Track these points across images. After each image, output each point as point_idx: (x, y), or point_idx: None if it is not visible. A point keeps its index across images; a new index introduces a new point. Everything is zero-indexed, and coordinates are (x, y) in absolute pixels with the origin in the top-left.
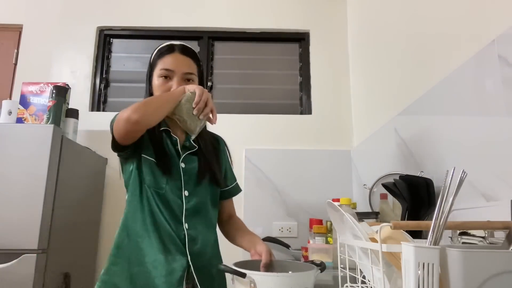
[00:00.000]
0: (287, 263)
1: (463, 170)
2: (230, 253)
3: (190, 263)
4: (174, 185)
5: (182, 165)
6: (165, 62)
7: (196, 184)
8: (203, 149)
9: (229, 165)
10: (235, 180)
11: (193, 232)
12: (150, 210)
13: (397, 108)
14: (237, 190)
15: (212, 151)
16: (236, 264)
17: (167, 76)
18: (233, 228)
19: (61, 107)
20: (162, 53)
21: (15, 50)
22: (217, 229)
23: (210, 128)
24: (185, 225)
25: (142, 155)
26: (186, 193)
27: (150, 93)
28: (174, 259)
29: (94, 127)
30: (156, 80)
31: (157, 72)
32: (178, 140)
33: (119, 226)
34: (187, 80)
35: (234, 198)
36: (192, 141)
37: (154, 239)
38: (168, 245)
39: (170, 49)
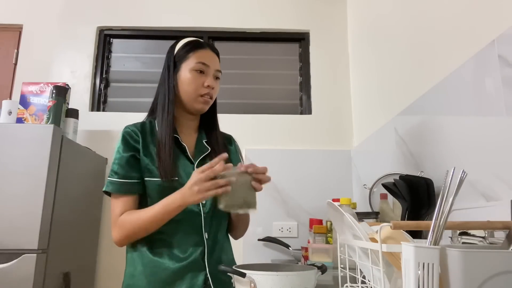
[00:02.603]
0: (289, 266)
1: (463, 170)
2: None
3: (208, 275)
4: None
5: None
6: (201, 56)
7: None
8: (217, 151)
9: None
10: None
11: (212, 241)
12: (166, 230)
13: (397, 108)
14: None
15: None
16: (236, 267)
17: (202, 70)
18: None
19: (61, 107)
20: (194, 46)
21: (15, 50)
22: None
23: None
24: (205, 235)
25: (145, 179)
26: (204, 201)
27: (173, 87)
28: (193, 276)
29: (94, 127)
30: (189, 73)
31: (190, 65)
32: (187, 148)
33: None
34: (216, 78)
35: None
36: (204, 142)
37: (171, 257)
38: (185, 259)
39: (201, 44)
